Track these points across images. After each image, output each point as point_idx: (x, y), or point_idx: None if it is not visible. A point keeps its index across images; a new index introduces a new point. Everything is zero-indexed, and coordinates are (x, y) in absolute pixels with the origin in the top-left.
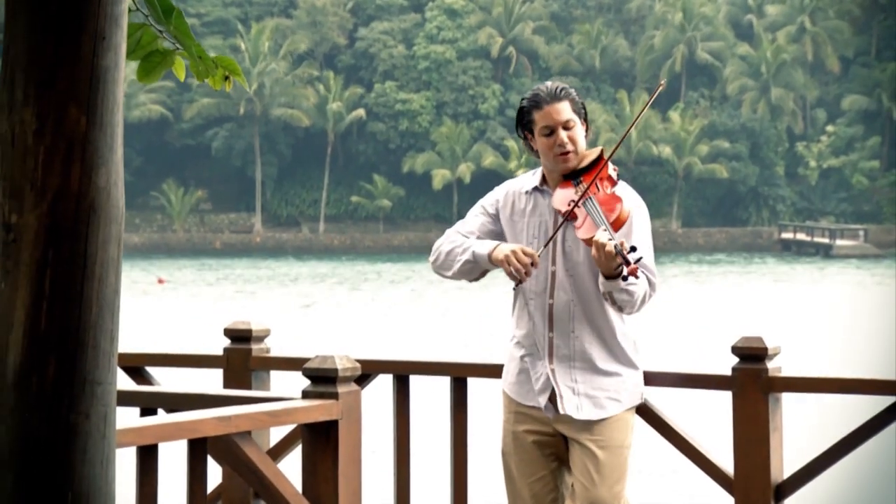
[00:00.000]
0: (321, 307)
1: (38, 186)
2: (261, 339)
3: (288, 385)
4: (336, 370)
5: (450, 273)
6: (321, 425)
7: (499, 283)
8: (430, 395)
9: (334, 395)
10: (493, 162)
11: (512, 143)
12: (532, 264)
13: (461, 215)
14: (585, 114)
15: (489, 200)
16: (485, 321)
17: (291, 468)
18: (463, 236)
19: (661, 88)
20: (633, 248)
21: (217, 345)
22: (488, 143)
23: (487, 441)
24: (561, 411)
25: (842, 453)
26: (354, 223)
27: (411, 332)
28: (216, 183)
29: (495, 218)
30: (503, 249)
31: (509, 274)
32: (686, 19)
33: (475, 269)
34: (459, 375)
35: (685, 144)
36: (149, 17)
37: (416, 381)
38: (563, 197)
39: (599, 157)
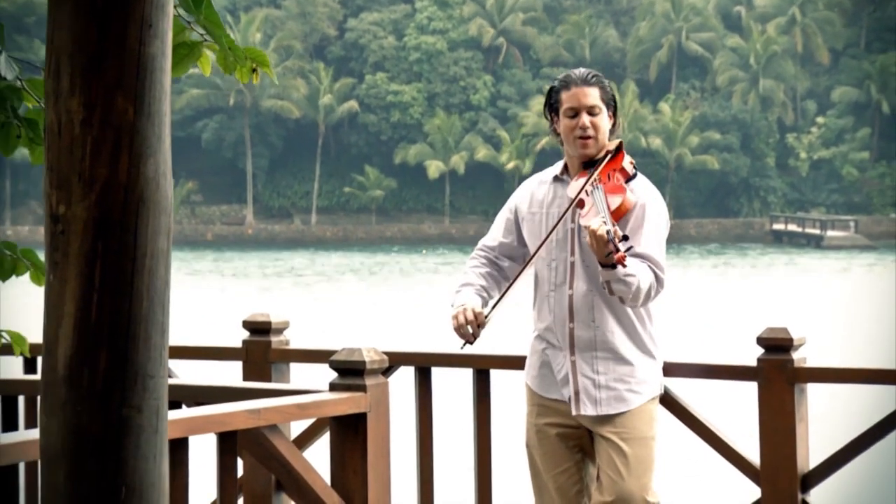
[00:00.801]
0: (331, 298)
1: (86, 177)
2: (280, 331)
3: (306, 378)
4: (364, 362)
5: None
6: (349, 418)
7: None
8: (452, 387)
9: (362, 388)
10: (486, 154)
11: (504, 134)
12: (479, 325)
13: (454, 206)
14: (615, 107)
15: (510, 201)
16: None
17: (315, 461)
18: (482, 256)
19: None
20: (626, 238)
21: (225, 336)
22: (480, 134)
23: (511, 433)
24: (577, 412)
25: (868, 443)
26: (347, 215)
27: (427, 323)
28: (207, 174)
29: (513, 218)
30: (455, 307)
31: (457, 334)
32: (675, 10)
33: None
34: (482, 367)
35: (676, 136)
36: (178, 8)
37: (438, 373)
38: (577, 186)
39: (618, 149)
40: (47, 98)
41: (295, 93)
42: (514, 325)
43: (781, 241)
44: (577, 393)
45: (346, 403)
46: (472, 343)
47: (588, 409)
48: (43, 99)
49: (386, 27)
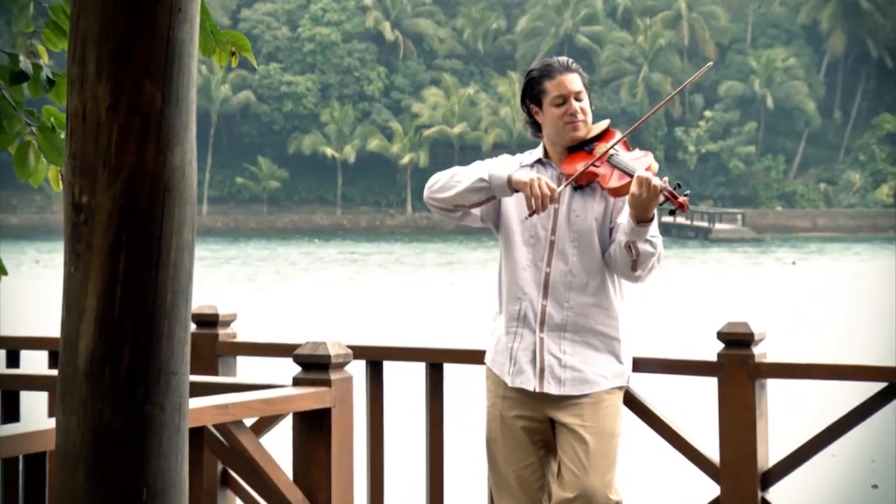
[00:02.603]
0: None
1: (112, 165)
2: (227, 323)
3: (251, 371)
4: (329, 356)
5: (450, 194)
6: (313, 413)
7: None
8: (404, 381)
9: (327, 383)
10: (378, 144)
11: (397, 126)
12: (551, 199)
13: (346, 197)
14: (590, 92)
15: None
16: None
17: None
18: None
19: (707, 68)
20: (679, 185)
21: None
22: (373, 125)
23: (465, 428)
24: (540, 389)
25: (829, 440)
26: (238, 205)
27: (364, 315)
28: None
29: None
30: (526, 173)
31: (528, 200)
32: (565, 3)
33: (482, 193)
34: (436, 361)
35: None
36: None
37: (389, 367)
38: (577, 163)
39: (607, 130)
40: (71, 84)
41: None
42: (467, 319)
43: (670, 233)
44: (541, 371)
45: (312, 398)
46: (539, 213)
47: (551, 388)
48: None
49: (280, 18)
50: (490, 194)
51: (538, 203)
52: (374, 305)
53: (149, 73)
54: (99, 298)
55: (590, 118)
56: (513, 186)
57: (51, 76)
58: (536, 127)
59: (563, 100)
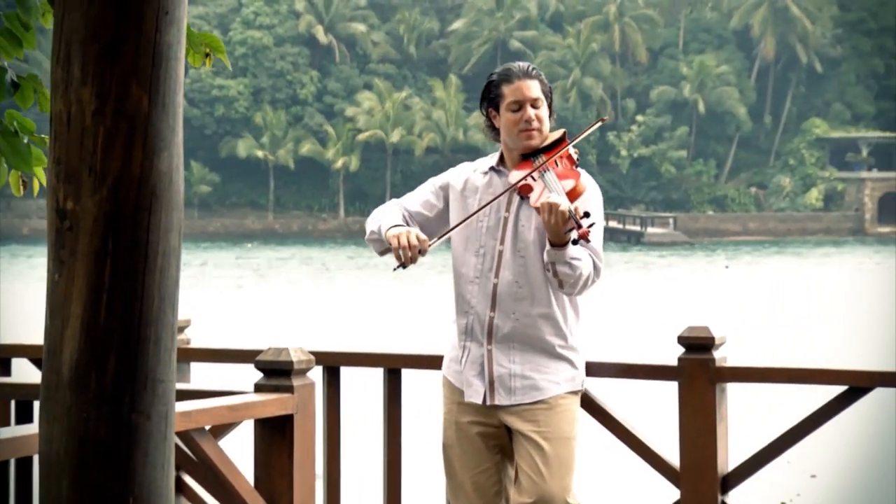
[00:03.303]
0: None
1: (98, 170)
2: (181, 329)
3: (204, 377)
4: (292, 363)
5: (366, 240)
6: (276, 420)
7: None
8: (362, 387)
9: (289, 389)
10: (311, 149)
11: (330, 129)
12: (420, 251)
13: (278, 202)
14: (551, 100)
15: (441, 177)
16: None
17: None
18: (399, 207)
19: (601, 123)
20: (587, 214)
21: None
22: (306, 129)
23: (423, 434)
24: (491, 401)
25: (789, 444)
26: None
27: (304, 320)
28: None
29: (442, 194)
30: (398, 230)
31: (395, 253)
32: (499, 7)
33: (379, 244)
34: (393, 367)
35: None
36: None
37: (346, 373)
38: (522, 172)
39: (561, 139)
40: (55, 87)
41: None
42: (425, 324)
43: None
44: (491, 383)
45: (275, 405)
46: (406, 267)
47: (502, 399)
48: None
49: (211, 21)
50: (385, 247)
51: (405, 256)
52: (312, 310)
53: (136, 76)
54: (84, 305)
55: (546, 126)
56: (388, 241)
57: (15, 79)
58: (495, 131)
59: (519, 106)
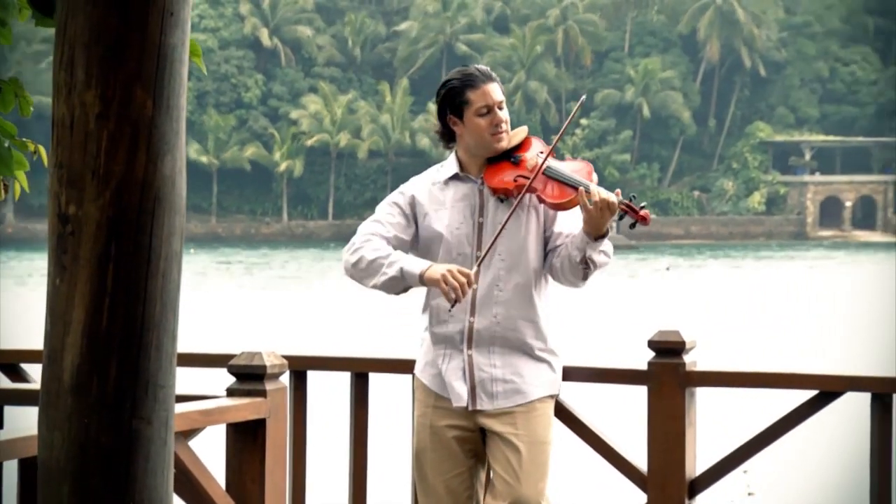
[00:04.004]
0: None
1: (101, 174)
2: None
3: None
4: (265, 367)
5: (371, 283)
6: (248, 424)
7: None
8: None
9: (262, 393)
10: (255, 152)
11: (275, 133)
12: (468, 283)
13: (221, 205)
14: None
15: (401, 195)
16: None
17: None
18: (380, 239)
19: (581, 103)
20: (633, 197)
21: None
22: (251, 132)
23: (390, 439)
24: (473, 406)
25: (757, 449)
26: None
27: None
28: None
29: (410, 213)
30: (438, 269)
31: (446, 294)
32: (445, 10)
33: (399, 285)
34: (361, 371)
35: None
36: None
37: (313, 376)
38: (504, 175)
39: (526, 138)
40: (57, 91)
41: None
42: (392, 328)
43: None
44: (473, 388)
45: (248, 409)
46: (461, 301)
47: (485, 404)
48: None
49: None
50: (406, 284)
51: (458, 294)
52: (260, 315)
53: (140, 80)
54: (86, 311)
55: (510, 127)
56: (426, 283)
57: None
58: (449, 138)
59: (489, 110)
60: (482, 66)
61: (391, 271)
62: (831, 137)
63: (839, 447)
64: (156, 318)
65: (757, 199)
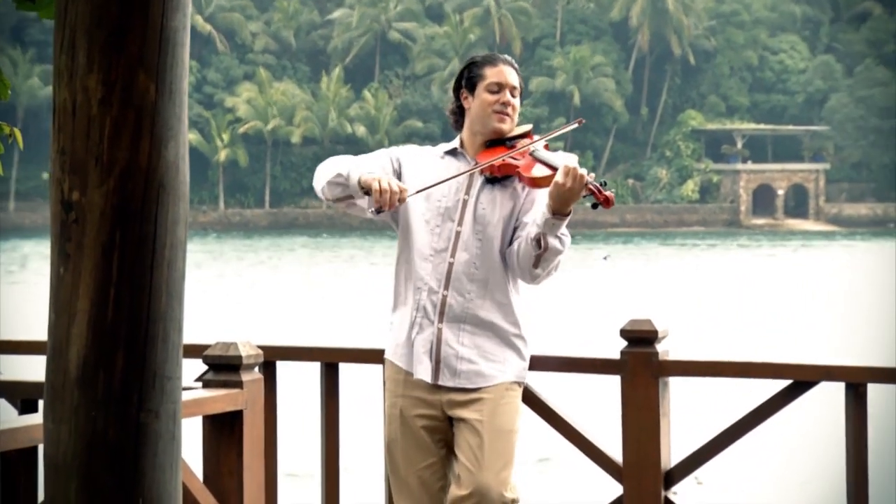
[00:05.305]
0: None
1: (105, 161)
2: None
3: None
4: (240, 357)
5: (319, 186)
6: (225, 416)
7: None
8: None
9: (238, 384)
10: (192, 139)
11: (210, 120)
12: (399, 199)
13: None
14: (522, 98)
15: (391, 149)
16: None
17: None
18: (356, 163)
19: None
20: (604, 183)
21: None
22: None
23: (362, 430)
24: (435, 380)
25: (732, 439)
26: (46, 201)
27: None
28: None
29: (396, 164)
30: (375, 175)
31: (375, 196)
32: None
33: (341, 188)
34: (331, 361)
35: (379, 123)
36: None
37: (283, 367)
38: (495, 155)
39: (528, 132)
40: (58, 76)
41: None
42: (362, 319)
43: None
44: (437, 363)
45: (224, 401)
46: (382, 211)
47: (446, 380)
48: None
49: None
50: (348, 192)
51: (386, 199)
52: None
53: (142, 64)
54: (92, 301)
55: (516, 117)
56: (362, 186)
57: None
58: (459, 115)
59: (500, 87)
60: (507, 56)
61: (341, 171)
62: (762, 126)
63: (814, 437)
64: (162, 309)
65: (690, 188)
